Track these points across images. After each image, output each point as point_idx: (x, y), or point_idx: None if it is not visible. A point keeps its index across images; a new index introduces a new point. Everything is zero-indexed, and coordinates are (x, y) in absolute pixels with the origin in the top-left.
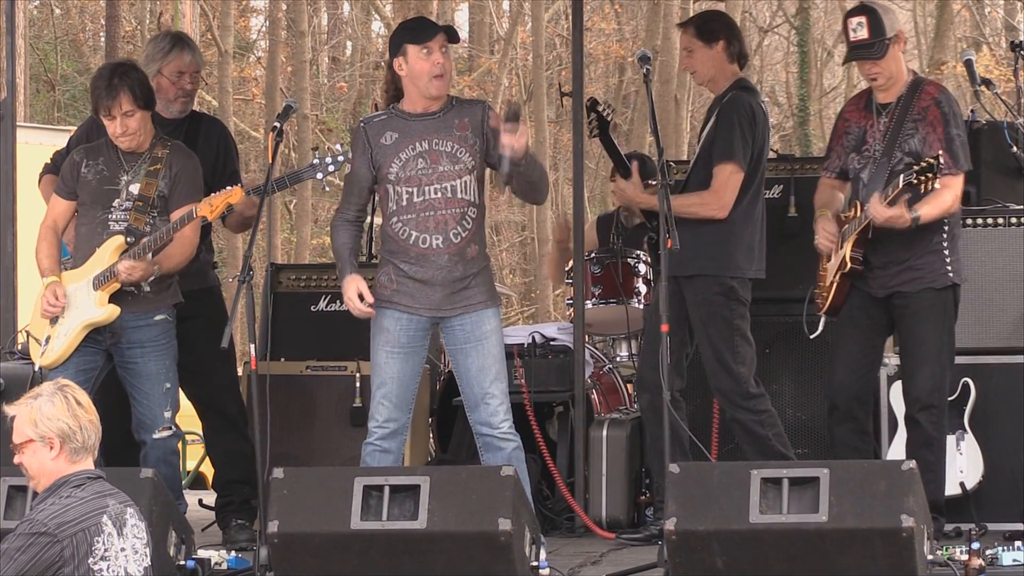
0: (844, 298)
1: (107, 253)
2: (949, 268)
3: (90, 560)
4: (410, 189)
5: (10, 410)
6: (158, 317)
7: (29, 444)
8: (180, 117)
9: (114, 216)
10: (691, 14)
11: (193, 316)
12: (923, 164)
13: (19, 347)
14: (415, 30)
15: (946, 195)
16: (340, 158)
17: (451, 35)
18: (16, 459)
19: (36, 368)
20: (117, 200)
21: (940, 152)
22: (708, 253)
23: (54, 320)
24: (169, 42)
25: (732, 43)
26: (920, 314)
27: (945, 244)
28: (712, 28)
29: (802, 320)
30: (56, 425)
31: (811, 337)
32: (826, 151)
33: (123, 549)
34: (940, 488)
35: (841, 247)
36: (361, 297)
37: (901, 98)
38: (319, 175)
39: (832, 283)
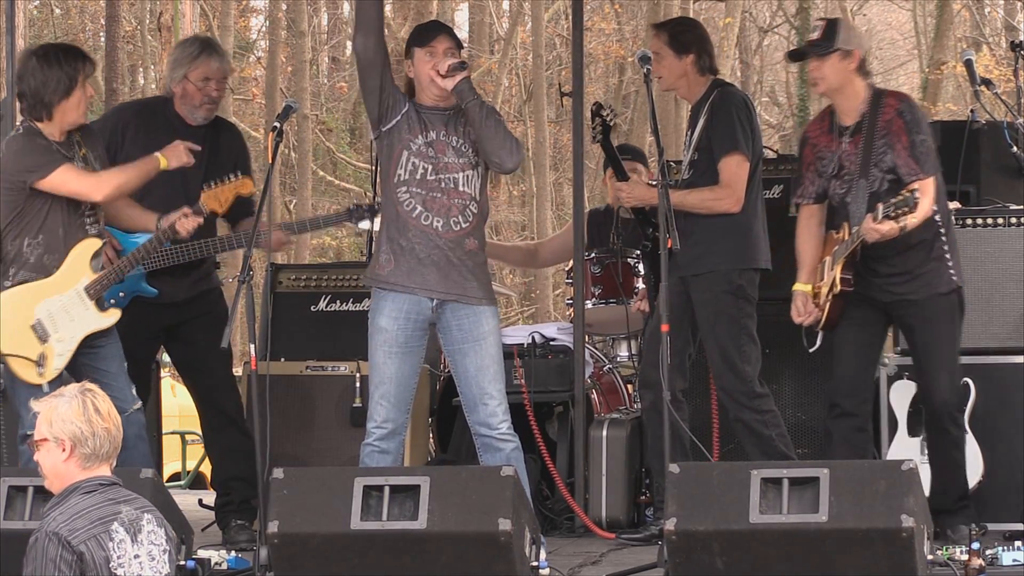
0: (839, 315)
1: (86, 261)
2: (952, 272)
3: (111, 565)
4: (425, 165)
5: (35, 406)
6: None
7: (44, 443)
8: (203, 124)
9: (89, 218)
10: (691, 14)
11: (196, 316)
12: (898, 199)
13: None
14: (420, 32)
15: (924, 201)
16: (377, 208)
17: (455, 38)
18: (35, 456)
19: (44, 388)
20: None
21: (914, 188)
22: (721, 248)
23: (43, 337)
24: (197, 47)
25: (702, 57)
26: (931, 319)
27: (946, 249)
28: (685, 40)
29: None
30: (68, 428)
31: (811, 351)
32: (799, 178)
33: (137, 556)
34: (966, 480)
35: (832, 268)
36: None
37: (864, 116)
38: (352, 222)
39: (825, 303)
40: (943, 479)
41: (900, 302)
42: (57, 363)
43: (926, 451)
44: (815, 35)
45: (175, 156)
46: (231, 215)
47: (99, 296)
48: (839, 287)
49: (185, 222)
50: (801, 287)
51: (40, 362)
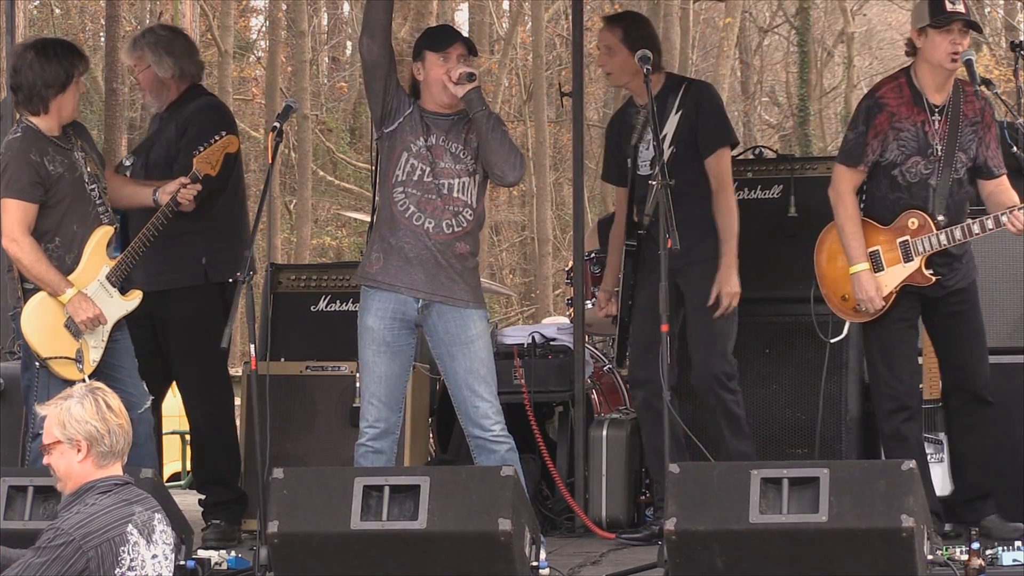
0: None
1: (102, 249)
2: (974, 258)
3: (117, 571)
4: (423, 167)
5: (42, 410)
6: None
7: (57, 445)
8: (162, 110)
9: (101, 207)
10: (691, 14)
11: (181, 317)
12: None
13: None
14: (435, 37)
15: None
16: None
17: (470, 46)
18: (45, 460)
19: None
20: (94, 189)
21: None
22: (709, 238)
23: (77, 333)
24: None
25: (656, 55)
26: (975, 306)
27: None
28: (639, 37)
29: (811, 320)
30: (84, 428)
31: (833, 341)
32: (854, 141)
33: (154, 556)
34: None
35: (909, 259)
36: None
37: (950, 99)
38: None
39: (892, 293)
40: (982, 459)
41: (950, 293)
42: (94, 356)
43: (927, 450)
44: (959, 6)
45: (75, 312)
46: None
47: (120, 282)
48: (933, 280)
49: (185, 192)
50: (867, 267)
51: (79, 358)
